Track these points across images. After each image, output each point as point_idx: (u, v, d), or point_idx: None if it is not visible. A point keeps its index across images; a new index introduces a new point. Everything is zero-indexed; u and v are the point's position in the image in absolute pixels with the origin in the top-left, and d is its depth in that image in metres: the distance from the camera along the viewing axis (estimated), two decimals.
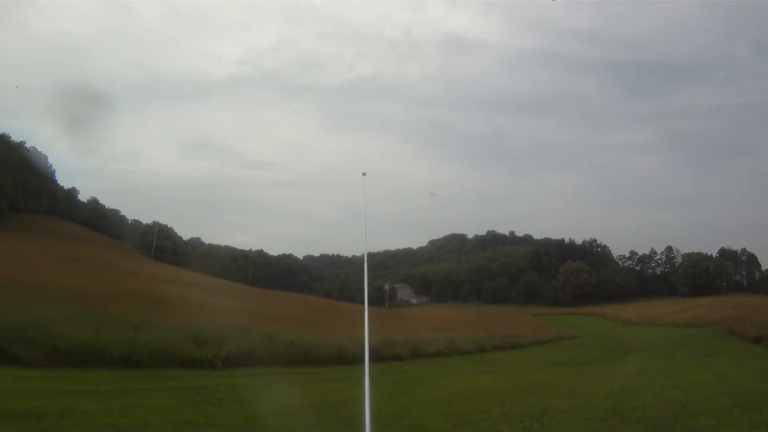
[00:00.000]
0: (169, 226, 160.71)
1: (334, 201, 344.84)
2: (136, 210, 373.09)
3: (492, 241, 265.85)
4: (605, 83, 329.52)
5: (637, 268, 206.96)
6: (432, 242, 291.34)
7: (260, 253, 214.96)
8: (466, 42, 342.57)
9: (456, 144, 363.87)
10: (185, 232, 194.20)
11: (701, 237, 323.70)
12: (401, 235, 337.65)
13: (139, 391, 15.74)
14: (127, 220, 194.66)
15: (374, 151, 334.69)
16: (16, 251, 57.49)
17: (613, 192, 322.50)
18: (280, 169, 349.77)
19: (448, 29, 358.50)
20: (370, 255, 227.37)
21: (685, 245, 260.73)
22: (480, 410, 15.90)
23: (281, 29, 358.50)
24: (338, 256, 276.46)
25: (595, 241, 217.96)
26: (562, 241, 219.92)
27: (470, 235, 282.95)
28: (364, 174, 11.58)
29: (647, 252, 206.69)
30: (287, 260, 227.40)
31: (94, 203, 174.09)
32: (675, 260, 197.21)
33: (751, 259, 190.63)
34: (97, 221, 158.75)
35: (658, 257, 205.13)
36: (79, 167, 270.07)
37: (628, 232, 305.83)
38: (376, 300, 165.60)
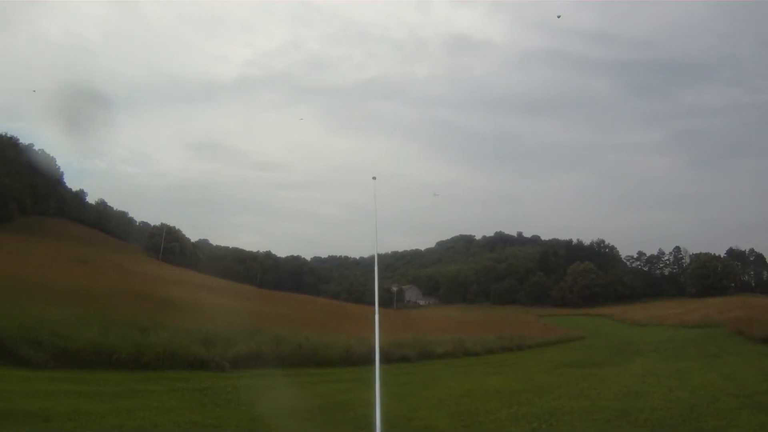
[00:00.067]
0: (176, 227, 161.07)
1: (342, 202, 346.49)
2: (144, 212, 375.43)
3: (500, 242, 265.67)
4: (613, 83, 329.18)
5: (645, 268, 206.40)
6: (440, 243, 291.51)
7: (268, 255, 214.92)
8: (473, 42, 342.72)
9: (463, 144, 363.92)
10: (193, 234, 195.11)
11: (709, 237, 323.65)
12: (409, 236, 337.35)
13: (146, 392, 15.76)
14: (135, 221, 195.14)
15: (382, 151, 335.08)
16: (25, 253, 57.68)
17: (621, 192, 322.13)
18: (288, 171, 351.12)
19: (455, 29, 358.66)
20: (379, 256, 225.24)
21: (693, 245, 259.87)
22: (488, 411, 15.87)
23: (288, 31, 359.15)
24: (346, 258, 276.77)
25: (603, 241, 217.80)
26: (570, 241, 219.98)
27: (478, 236, 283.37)
28: (374, 178, 11.54)
29: (655, 252, 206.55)
30: (295, 262, 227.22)
31: (102, 205, 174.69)
32: (683, 261, 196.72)
33: (760, 260, 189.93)
34: (105, 223, 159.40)
35: (666, 258, 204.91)
36: (88, 169, 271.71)
37: (636, 232, 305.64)
38: (384, 301, 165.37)
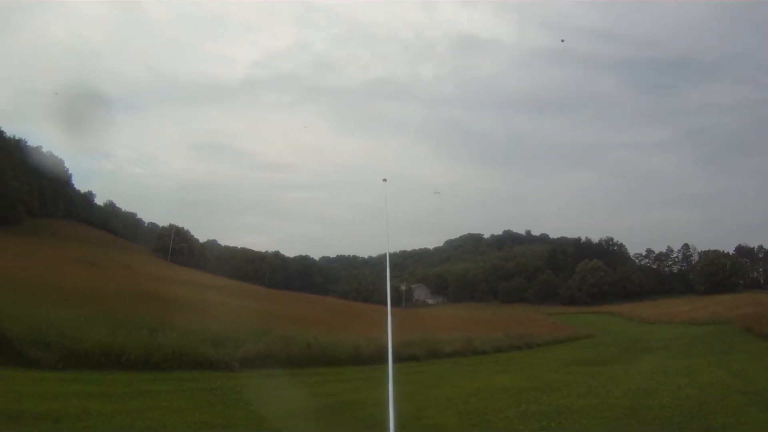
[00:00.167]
0: (185, 228, 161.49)
1: (350, 202, 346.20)
2: (152, 213, 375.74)
3: (508, 240, 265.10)
4: (620, 81, 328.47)
5: (654, 266, 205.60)
6: (448, 242, 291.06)
7: (276, 255, 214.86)
8: (480, 41, 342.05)
9: (471, 144, 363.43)
10: (201, 235, 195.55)
11: (718, 234, 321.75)
12: (417, 235, 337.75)
13: (155, 392, 15.81)
14: (144, 223, 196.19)
15: (389, 152, 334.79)
16: (33, 255, 57.87)
17: (630, 190, 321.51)
18: (296, 171, 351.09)
19: (461, 29, 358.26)
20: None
21: (702, 243, 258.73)
22: (496, 410, 15.86)
23: (295, 32, 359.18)
24: (354, 257, 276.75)
25: (611, 239, 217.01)
26: (578, 239, 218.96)
27: (486, 235, 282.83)
28: (384, 180, 11.51)
29: (664, 250, 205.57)
30: (303, 261, 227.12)
31: (110, 206, 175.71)
32: (692, 258, 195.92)
33: None
34: (114, 224, 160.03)
35: (674, 255, 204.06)
36: (96, 171, 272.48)
37: (645, 230, 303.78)
38: (393, 300, 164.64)
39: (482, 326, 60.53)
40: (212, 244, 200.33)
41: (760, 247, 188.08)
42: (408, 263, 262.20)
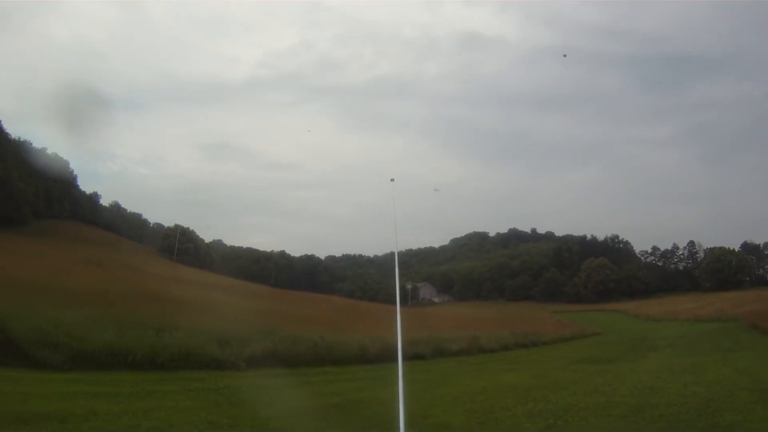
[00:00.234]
0: (190, 228, 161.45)
1: (355, 201, 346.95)
2: (158, 213, 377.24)
3: (513, 238, 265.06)
4: (623, 78, 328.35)
5: (660, 263, 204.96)
6: (454, 240, 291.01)
7: (282, 254, 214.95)
8: (484, 39, 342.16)
9: (476, 142, 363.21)
10: (207, 235, 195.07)
11: (724, 231, 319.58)
12: (423, 233, 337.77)
13: (162, 393, 15.83)
14: (149, 223, 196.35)
15: (394, 150, 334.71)
16: (39, 256, 57.96)
17: (634, 187, 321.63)
18: (301, 170, 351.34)
19: (465, 27, 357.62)
20: (393, 254, 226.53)
21: (708, 240, 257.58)
22: (503, 408, 15.82)
23: (299, 31, 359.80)
24: (360, 256, 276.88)
25: (617, 236, 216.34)
26: (583, 237, 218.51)
27: (492, 233, 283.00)
28: (392, 180, 11.51)
29: (669, 247, 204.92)
30: (309, 261, 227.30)
31: (115, 207, 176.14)
32: (697, 255, 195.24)
33: None
34: (119, 225, 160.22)
35: (680, 252, 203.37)
36: (101, 172, 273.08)
37: (650, 227, 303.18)
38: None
39: (488, 324, 60.37)
40: (218, 244, 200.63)
41: (766, 244, 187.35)
42: (413, 262, 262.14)
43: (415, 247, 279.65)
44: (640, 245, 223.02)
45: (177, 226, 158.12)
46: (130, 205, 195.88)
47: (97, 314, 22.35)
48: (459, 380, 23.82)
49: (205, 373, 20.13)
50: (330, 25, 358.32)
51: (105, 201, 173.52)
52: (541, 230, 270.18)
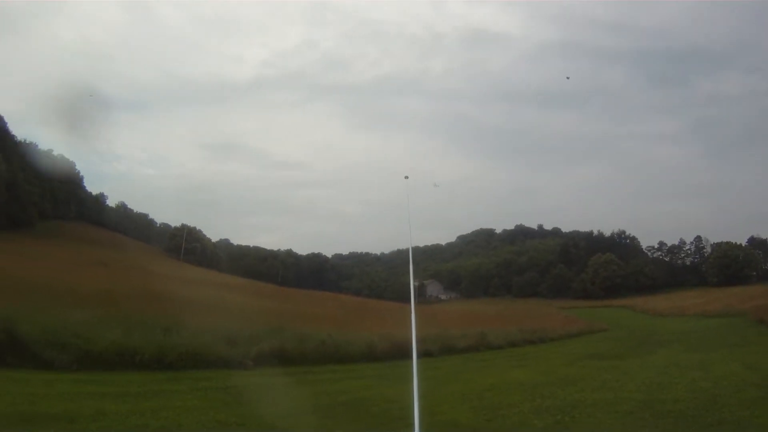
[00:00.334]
0: (197, 228, 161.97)
1: (362, 199, 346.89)
2: (165, 213, 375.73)
3: (520, 235, 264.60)
4: (629, 73, 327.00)
5: (667, 258, 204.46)
6: (460, 237, 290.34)
7: (289, 253, 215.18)
8: (489, 35, 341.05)
9: (482, 138, 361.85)
10: (213, 234, 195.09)
11: (730, 226, 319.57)
12: (429, 230, 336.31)
13: (170, 392, 15.86)
14: (156, 223, 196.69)
15: (400, 147, 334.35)
16: (45, 257, 58.17)
17: (641, 182, 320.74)
18: (307, 169, 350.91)
19: (470, 23, 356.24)
20: (400, 252, 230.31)
21: (714, 235, 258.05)
22: (511, 405, 15.78)
23: (303, 30, 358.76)
24: (367, 254, 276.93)
25: (623, 232, 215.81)
26: (590, 233, 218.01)
27: (498, 230, 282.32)
28: (406, 177, 11.50)
29: (676, 242, 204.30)
30: (316, 259, 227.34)
31: (122, 208, 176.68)
32: (704, 250, 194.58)
33: None
34: (126, 226, 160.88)
35: (687, 247, 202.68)
36: (107, 173, 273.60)
37: (657, 222, 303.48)
38: (406, 297, 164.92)
39: (496, 321, 60.30)
40: (225, 244, 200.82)
41: None
42: (420, 259, 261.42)
43: (422, 244, 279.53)
44: (646, 241, 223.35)
45: (184, 226, 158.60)
46: (136, 206, 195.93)
47: (104, 314, 22.40)
48: (466, 377, 23.80)
49: (212, 372, 20.14)
50: (334, 23, 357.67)
51: (111, 202, 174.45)
52: (548, 226, 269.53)
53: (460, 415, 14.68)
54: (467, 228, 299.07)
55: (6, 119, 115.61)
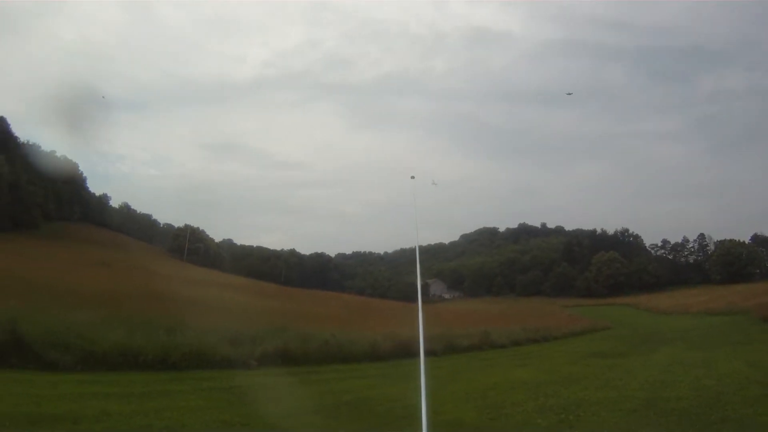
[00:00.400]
0: (200, 228, 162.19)
1: (365, 198, 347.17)
2: (168, 214, 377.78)
3: (523, 233, 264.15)
4: (630, 71, 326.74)
5: (670, 256, 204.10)
6: (463, 236, 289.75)
7: (292, 253, 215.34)
8: (491, 34, 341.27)
9: (483, 137, 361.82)
10: (216, 234, 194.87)
11: (733, 223, 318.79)
12: (432, 230, 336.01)
13: (173, 392, 15.85)
14: (159, 224, 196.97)
15: (402, 147, 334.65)
16: (49, 258, 58.22)
17: (643, 180, 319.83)
18: (309, 169, 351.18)
19: (471, 22, 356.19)
20: (403, 251, 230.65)
21: (718, 232, 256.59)
22: (515, 403, 15.79)
23: (304, 30, 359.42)
24: (370, 254, 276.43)
25: (627, 230, 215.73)
26: (593, 231, 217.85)
27: (502, 229, 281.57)
28: (412, 177, 11.50)
29: (679, 240, 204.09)
30: (319, 259, 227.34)
31: (125, 208, 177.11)
32: (708, 248, 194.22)
33: None
34: (129, 226, 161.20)
35: (690, 245, 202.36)
36: (110, 173, 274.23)
37: (660, 220, 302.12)
38: (409, 296, 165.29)
39: (499, 320, 60.24)
40: (228, 244, 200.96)
41: None
42: (424, 258, 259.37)
43: (425, 243, 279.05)
44: (650, 238, 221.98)
45: (187, 226, 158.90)
46: (139, 206, 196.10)
47: (107, 315, 22.41)
48: (470, 376, 23.80)
49: (216, 372, 20.14)
50: (335, 23, 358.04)
51: (115, 202, 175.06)
52: (551, 225, 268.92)
53: (463, 414, 14.68)
54: (470, 227, 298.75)
55: (9, 121, 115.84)
